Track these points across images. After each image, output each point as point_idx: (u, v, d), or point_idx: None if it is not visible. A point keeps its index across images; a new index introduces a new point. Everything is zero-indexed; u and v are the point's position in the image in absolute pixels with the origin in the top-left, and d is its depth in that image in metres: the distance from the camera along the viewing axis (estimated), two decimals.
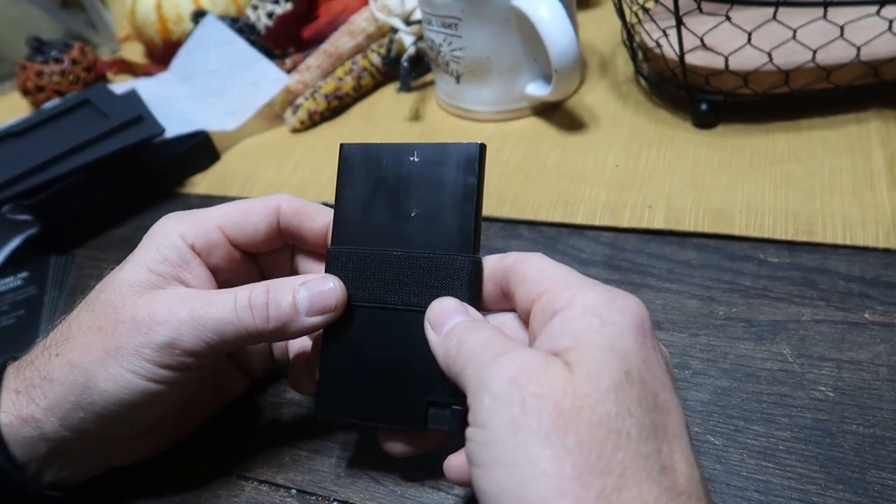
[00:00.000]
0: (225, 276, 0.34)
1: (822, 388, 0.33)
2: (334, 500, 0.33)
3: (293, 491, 0.34)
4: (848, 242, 0.39)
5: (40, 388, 0.30)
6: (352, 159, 0.32)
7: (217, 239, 0.33)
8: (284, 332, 0.30)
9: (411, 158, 0.31)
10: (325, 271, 0.32)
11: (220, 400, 0.37)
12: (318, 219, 0.33)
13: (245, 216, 0.33)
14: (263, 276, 0.36)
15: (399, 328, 0.30)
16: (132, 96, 0.57)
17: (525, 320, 0.28)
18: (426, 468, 0.33)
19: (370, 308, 0.31)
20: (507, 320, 0.30)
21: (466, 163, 0.30)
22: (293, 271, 0.36)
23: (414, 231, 0.31)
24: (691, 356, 0.35)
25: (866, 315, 0.35)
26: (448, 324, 0.28)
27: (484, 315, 0.30)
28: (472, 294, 0.29)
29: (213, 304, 0.29)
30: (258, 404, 0.38)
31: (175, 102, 0.63)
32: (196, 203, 0.33)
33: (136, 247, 0.33)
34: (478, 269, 0.30)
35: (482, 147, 0.31)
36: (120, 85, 0.65)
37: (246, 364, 0.37)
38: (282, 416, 0.37)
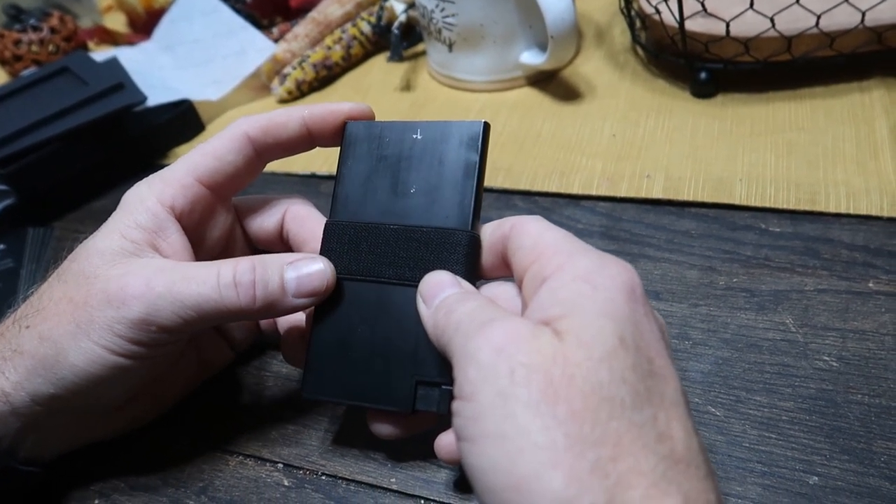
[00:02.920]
0: (207, 238, 0.32)
1: (826, 358, 0.32)
2: (322, 474, 0.32)
3: (280, 465, 0.32)
4: (851, 211, 0.38)
5: (10, 362, 0.28)
6: (355, 136, 0.31)
7: (197, 193, 0.31)
8: (270, 312, 0.29)
9: (414, 136, 0.30)
10: (321, 244, 0.30)
11: (203, 373, 0.35)
12: (291, 123, 0.31)
13: (218, 159, 0.31)
14: (247, 237, 0.35)
15: (392, 304, 0.29)
16: (113, 64, 0.55)
17: (521, 287, 0.27)
18: (416, 442, 0.32)
19: (363, 283, 0.29)
20: (503, 290, 0.29)
21: (469, 140, 0.30)
22: (281, 234, 0.34)
23: (413, 206, 0.30)
24: (691, 326, 0.34)
25: (871, 284, 0.35)
26: (440, 296, 0.26)
27: (481, 285, 0.29)
28: (468, 269, 0.28)
29: (193, 280, 0.27)
30: (243, 377, 0.37)
31: (157, 72, 0.60)
32: None
33: None
34: (475, 244, 0.29)
35: (486, 125, 0.30)
36: (101, 54, 0.63)
37: (230, 336, 0.35)
38: (267, 390, 0.36)
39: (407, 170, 0.30)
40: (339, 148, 0.32)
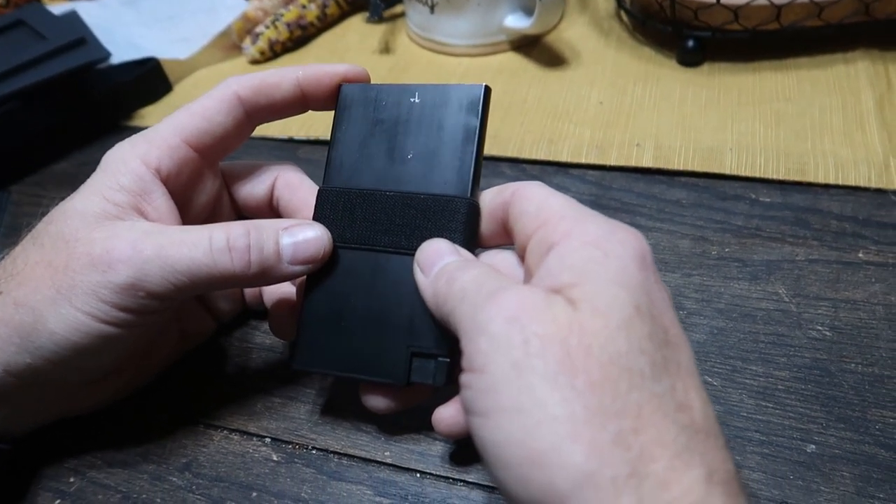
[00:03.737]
0: (194, 203, 0.30)
1: (819, 328, 0.32)
2: (313, 448, 0.31)
3: (267, 440, 0.31)
4: (840, 182, 0.38)
5: None
6: (350, 99, 0.30)
7: (185, 154, 0.29)
8: (263, 278, 0.27)
9: (412, 100, 0.29)
10: (315, 211, 0.29)
11: (185, 344, 0.34)
12: (284, 83, 0.29)
13: (206, 120, 0.29)
14: (234, 204, 0.33)
15: (386, 273, 0.28)
16: (72, 17, 0.52)
17: (522, 256, 0.26)
18: (410, 414, 0.31)
19: (358, 251, 0.28)
20: (502, 258, 0.28)
21: (469, 104, 0.28)
22: (270, 201, 0.33)
23: (410, 173, 0.28)
24: (685, 296, 0.34)
25: (860, 255, 0.35)
26: (438, 264, 0.25)
27: (478, 254, 0.28)
28: (467, 238, 0.27)
29: (184, 243, 0.26)
30: (226, 349, 0.35)
31: (120, 28, 0.57)
32: None
33: (80, 183, 0.29)
34: (474, 212, 0.28)
35: (487, 89, 0.29)
36: (57, 7, 0.59)
37: (214, 306, 0.34)
38: (251, 362, 0.35)
39: (404, 134, 0.29)
40: (325, 112, 0.31)
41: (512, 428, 0.19)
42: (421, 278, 0.26)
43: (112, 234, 0.26)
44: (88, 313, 0.25)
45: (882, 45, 0.46)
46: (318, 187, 0.32)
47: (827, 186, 0.38)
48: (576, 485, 0.18)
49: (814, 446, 0.28)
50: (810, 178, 0.39)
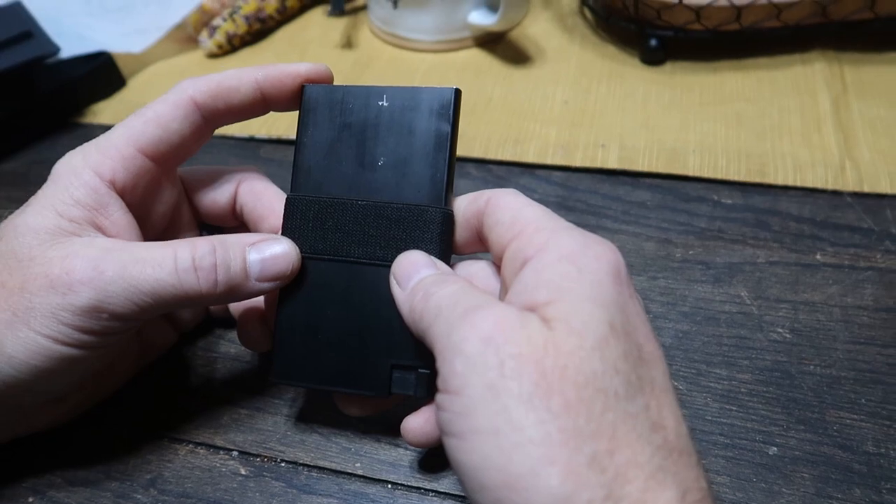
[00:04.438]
0: (152, 214, 0.29)
1: (780, 330, 0.33)
2: (281, 460, 0.30)
3: (234, 453, 0.31)
4: (798, 184, 0.39)
5: None
6: (314, 101, 0.29)
7: (141, 165, 0.28)
8: (231, 296, 0.26)
9: (380, 103, 0.28)
10: (283, 221, 0.28)
11: (145, 357, 0.33)
12: (243, 86, 0.29)
13: (161, 127, 0.28)
14: (194, 211, 0.32)
15: (362, 284, 0.27)
16: (17, 9, 0.49)
17: (498, 265, 0.26)
18: (380, 423, 0.31)
19: (331, 262, 0.28)
20: (479, 269, 0.28)
21: (440, 108, 0.28)
22: (233, 209, 0.32)
23: (381, 180, 0.28)
24: (651, 300, 0.35)
25: (818, 257, 0.36)
26: (415, 277, 0.25)
27: (455, 262, 0.28)
28: (443, 248, 0.27)
29: (148, 263, 0.25)
30: (188, 360, 0.35)
31: (67, 18, 0.55)
32: (101, 134, 0.28)
33: (31, 184, 0.28)
34: (449, 221, 0.27)
35: (457, 92, 0.28)
36: None
37: (175, 316, 0.33)
38: (216, 372, 0.34)
39: (373, 139, 0.28)
40: (290, 113, 0.30)
41: (489, 450, 0.19)
42: (398, 291, 0.26)
43: (70, 252, 0.25)
44: (48, 336, 0.24)
45: (837, 47, 0.48)
46: (282, 192, 0.32)
47: (786, 188, 0.39)
48: None
49: (776, 448, 0.29)
50: (770, 180, 0.39)
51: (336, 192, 0.28)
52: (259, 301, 0.31)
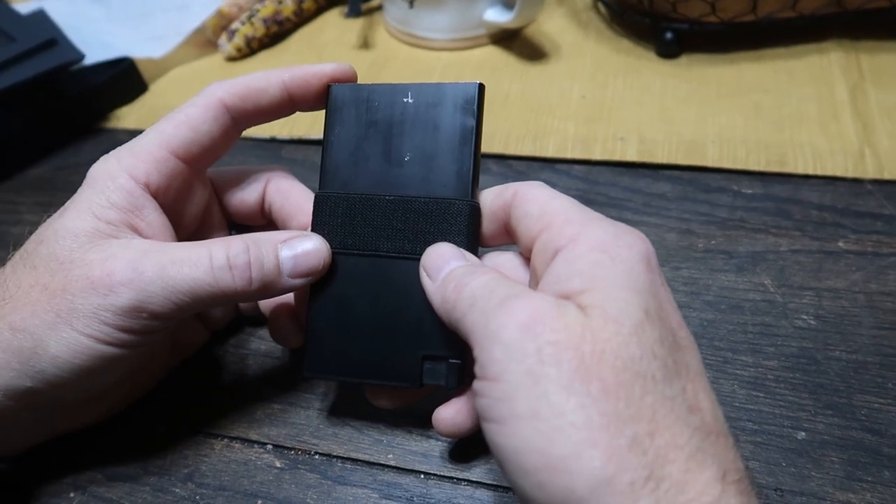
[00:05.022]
0: (185, 215, 0.30)
1: (805, 317, 0.33)
2: (315, 453, 0.31)
3: (269, 446, 0.31)
4: (818, 173, 0.39)
5: None
6: (340, 100, 0.30)
7: (173, 167, 0.28)
8: (265, 293, 0.27)
9: (405, 100, 0.29)
10: (313, 218, 0.29)
11: (179, 355, 0.33)
12: (270, 88, 0.29)
13: (193, 129, 0.29)
14: (223, 211, 0.33)
15: (391, 278, 0.28)
16: (41, 17, 0.50)
17: (527, 257, 0.27)
18: (411, 415, 0.31)
19: (361, 257, 0.28)
20: (506, 260, 0.28)
21: (464, 103, 0.28)
22: (262, 208, 0.32)
23: (408, 175, 0.28)
24: (675, 289, 0.35)
25: (840, 244, 0.36)
26: (445, 269, 0.25)
27: (482, 254, 0.28)
28: (470, 240, 0.28)
29: (185, 263, 0.25)
30: (220, 357, 0.35)
31: (89, 25, 0.56)
32: (125, 139, 0.29)
33: (57, 189, 0.28)
34: (476, 214, 0.28)
35: (481, 87, 0.29)
36: (23, 6, 0.57)
37: (206, 315, 0.34)
38: (248, 369, 0.35)
39: (399, 136, 0.29)
40: (311, 113, 0.31)
41: (529, 434, 0.20)
42: (428, 283, 0.26)
43: (109, 254, 0.25)
44: (90, 335, 0.25)
45: (853, 36, 0.48)
46: (309, 191, 0.32)
47: (806, 177, 0.39)
48: (595, 490, 0.18)
49: (804, 433, 0.29)
50: (790, 169, 0.40)
51: (364, 189, 0.29)
52: (289, 297, 0.32)
